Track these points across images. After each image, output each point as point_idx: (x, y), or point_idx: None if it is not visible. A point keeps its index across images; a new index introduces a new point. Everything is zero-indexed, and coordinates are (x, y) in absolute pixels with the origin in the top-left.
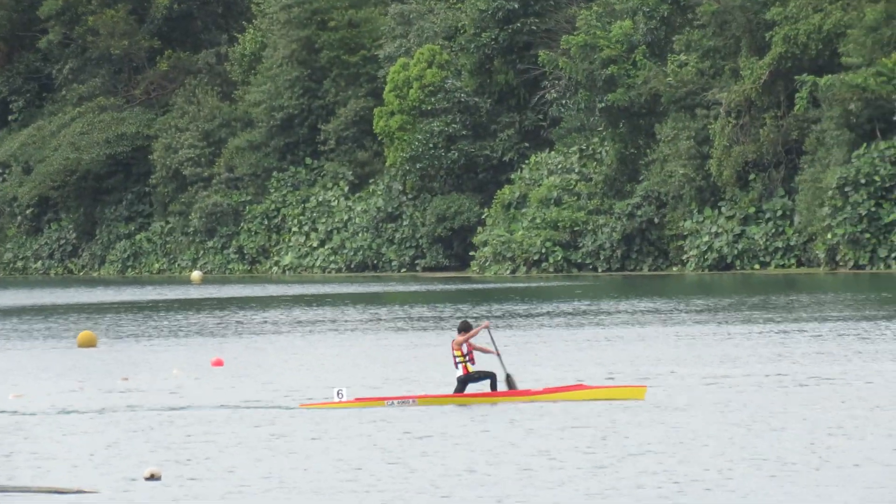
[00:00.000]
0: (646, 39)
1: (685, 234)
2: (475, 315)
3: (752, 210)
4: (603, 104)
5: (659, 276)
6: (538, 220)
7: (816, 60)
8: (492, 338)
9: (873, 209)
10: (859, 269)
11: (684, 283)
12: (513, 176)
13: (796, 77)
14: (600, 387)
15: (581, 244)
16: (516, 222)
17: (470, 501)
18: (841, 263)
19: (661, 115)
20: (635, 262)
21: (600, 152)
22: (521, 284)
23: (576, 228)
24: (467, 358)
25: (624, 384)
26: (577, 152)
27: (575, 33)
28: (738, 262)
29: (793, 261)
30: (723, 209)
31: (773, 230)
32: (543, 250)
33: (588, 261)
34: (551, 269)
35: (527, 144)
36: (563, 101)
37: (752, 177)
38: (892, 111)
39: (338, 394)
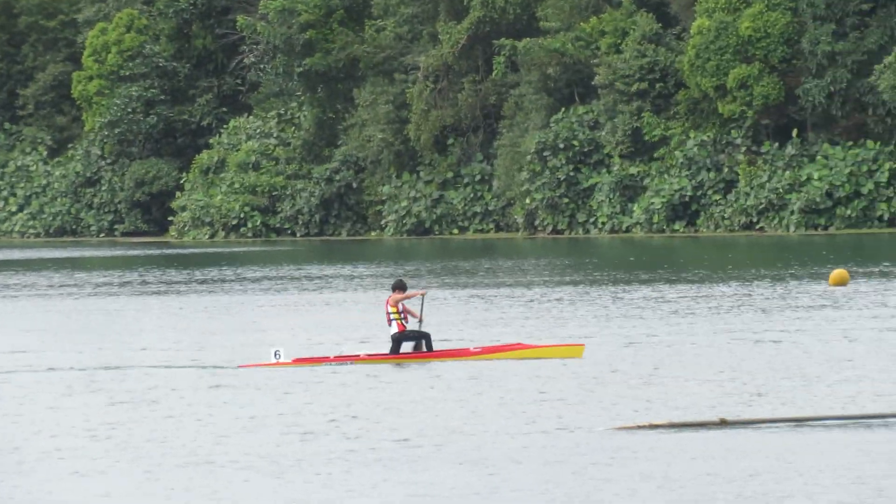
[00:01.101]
0: (344, 4)
1: (384, 198)
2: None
3: (450, 175)
4: (301, 69)
5: (357, 241)
6: (236, 185)
7: (515, 25)
8: (422, 306)
9: (572, 174)
10: (558, 234)
11: (383, 248)
12: (211, 141)
13: (494, 41)
14: (538, 346)
15: (279, 209)
16: (215, 187)
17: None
18: (539, 228)
19: (360, 79)
20: (334, 227)
21: (298, 117)
22: (219, 249)
23: (274, 193)
24: (402, 316)
25: (562, 343)
26: (276, 117)
27: None
28: (436, 227)
29: (491, 226)
30: (421, 174)
31: (472, 195)
32: (242, 215)
33: (287, 225)
34: (250, 234)
35: (225, 109)
36: (262, 66)
37: (450, 141)
38: (590, 76)
39: (275, 354)
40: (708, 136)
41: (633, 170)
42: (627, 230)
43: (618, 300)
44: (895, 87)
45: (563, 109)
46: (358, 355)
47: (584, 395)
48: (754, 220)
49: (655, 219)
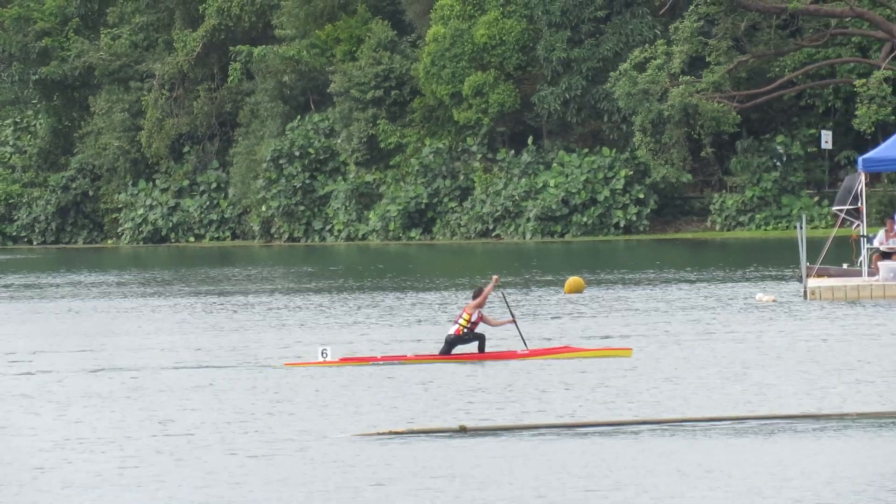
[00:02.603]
0: (80, 12)
1: (120, 206)
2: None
3: (186, 183)
4: (37, 77)
5: (94, 248)
6: None
7: (250, 32)
8: (504, 296)
9: (308, 181)
10: (294, 242)
11: (119, 256)
12: None
13: (231, 48)
14: (586, 349)
15: (16, 217)
16: None
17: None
18: (276, 236)
19: (96, 87)
20: (70, 235)
21: (34, 125)
22: None
23: (10, 201)
24: (470, 324)
25: (610, 346)
26: (12, 125)
27: (8, 6)
28: (172, 235)
29: (227, 233)
30: (157, 182)
31: (208, 203)
32: None
33: (23, 234)
34: None
35: None
36: None
37: (186, 149)
38: (325, 83)
39: (322, 353)
40: (444, 144)
41: (368, 177)
42: (363, 238)
43: (364, 307)
44: (630, 94)
45: (298, 117)
46: (405, 355)
47: (330, 402)
48: (490, 227)
49: (391, 226)
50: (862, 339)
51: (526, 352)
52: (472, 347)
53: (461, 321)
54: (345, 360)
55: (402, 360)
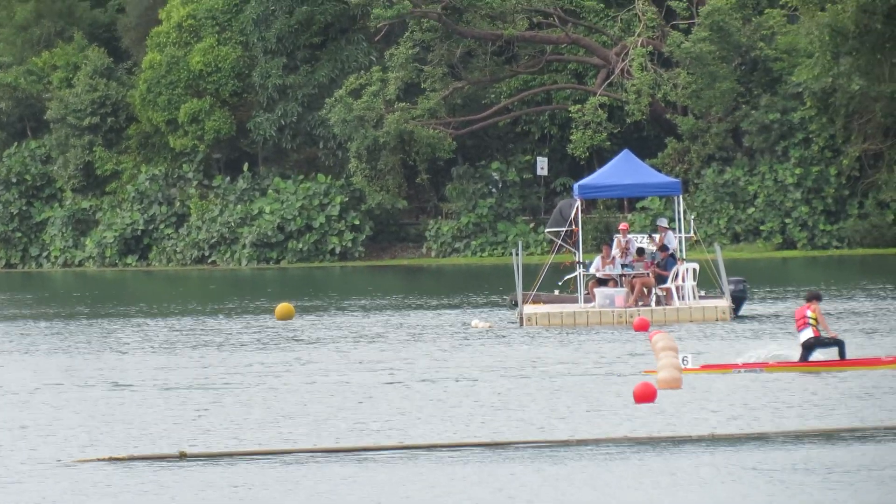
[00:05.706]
0: None
1: None
2: None
3: None
4: None
5: None
6: None
7: None
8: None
9: (24, 208)
10: (11, 269)
11: None
12: None
13: None
14: None
15: None
16: None
17: None
18: None
19: None
20: None
21: None
22: None
23: None
24: (818, 322)
25: None
26: None
27: None
28: None
29: None
30: None
31: None
32: None
33: None
34: None
35: None
36: None
37: None
38: (42, 110)
39: (683, 360)
40: (160, 170)
41: (85, 204)
42: (80, 264)
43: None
44: (346, 120)
45: (15, 144)
46: (766, 363)
47: (62, 425)
48: (206, 253)
49: (108, 253)
50: (573, 365)
51: (891, 358)
52: (833, 353)
53: (811, 321)
54: (706, 368)
55: (763, 367)
